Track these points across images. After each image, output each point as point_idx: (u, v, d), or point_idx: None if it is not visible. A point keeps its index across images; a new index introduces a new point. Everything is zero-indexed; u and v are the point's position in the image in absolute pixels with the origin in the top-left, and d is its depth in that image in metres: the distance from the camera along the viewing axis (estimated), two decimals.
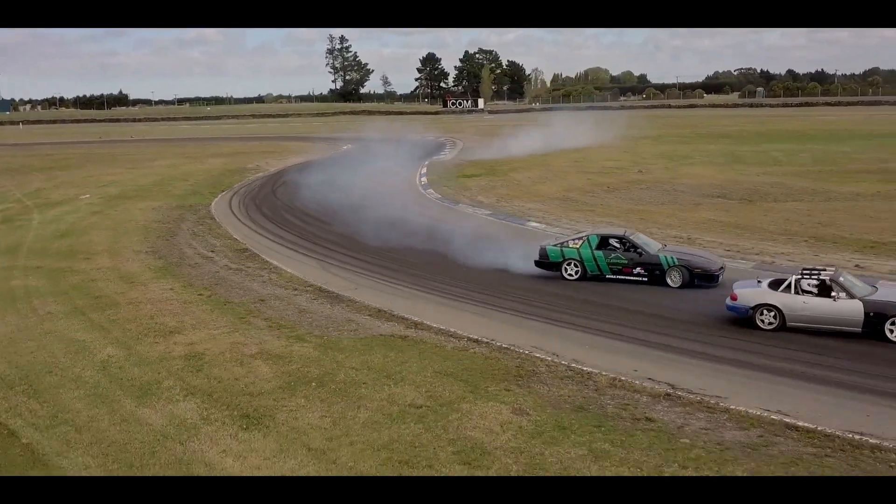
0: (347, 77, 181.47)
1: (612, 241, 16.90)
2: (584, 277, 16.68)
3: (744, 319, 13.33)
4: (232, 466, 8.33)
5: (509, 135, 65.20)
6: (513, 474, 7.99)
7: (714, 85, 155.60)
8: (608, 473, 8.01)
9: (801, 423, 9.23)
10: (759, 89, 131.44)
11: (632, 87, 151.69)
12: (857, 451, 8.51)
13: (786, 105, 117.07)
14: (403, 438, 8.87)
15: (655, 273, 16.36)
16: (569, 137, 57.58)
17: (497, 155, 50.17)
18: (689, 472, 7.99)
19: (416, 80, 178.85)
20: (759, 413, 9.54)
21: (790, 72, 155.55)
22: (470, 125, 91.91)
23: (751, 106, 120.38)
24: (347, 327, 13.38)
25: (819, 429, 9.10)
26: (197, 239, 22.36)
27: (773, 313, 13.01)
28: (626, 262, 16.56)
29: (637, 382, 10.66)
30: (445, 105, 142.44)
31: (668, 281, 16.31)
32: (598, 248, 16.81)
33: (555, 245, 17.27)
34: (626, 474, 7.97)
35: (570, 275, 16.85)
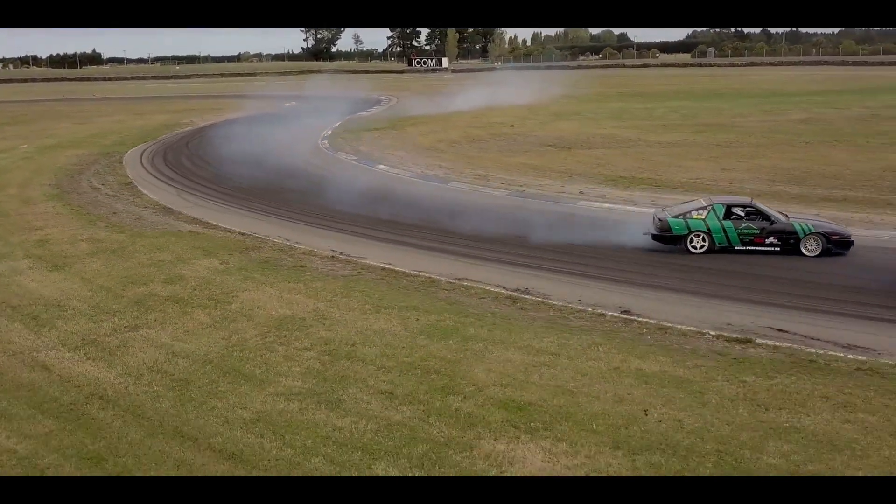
0: (319, 35, 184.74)
1: (737, 210, 16.20)
2: (712, 250, 16.02)
3: None
4: (32, 286, 14.32)
5: (449, 93, 70.54)
6: (190, 290, 13.99)
7: (690, 44, 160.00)
8: (247, 288, 13.99)
9: (388, 266, 15.31)
10: (711, 49, 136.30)
11: (591, 47, 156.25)
12: (408, 279, 14.57)
13: (732, 65, 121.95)
14: (139, 273, 14.89)
15: (790, 242, 15.75)
16: (501, 96, 62.72)
17: (419, 111, 55.62)
18: (291, 284, 14.00)
19: (388, 38, 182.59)
20: (376, 263, 15.59)
21: (764, 31, 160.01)
22: (422, 83, 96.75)
23: (699, 66, 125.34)
24: (161, 227, 19.34)
25: (398, 269, 15.17)
26: (97, 177, 28.18)
27: None
28: (757, 231, 15.87)
29: (322, 252, 16.67)
30: (410, 64, 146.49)
31: (804, 250, 15.72)
32: (725, 217, 16.05)
33: (676, 217, 16.30)
34: (255, 290, 13.98)
35: (695, 248, 16.08)
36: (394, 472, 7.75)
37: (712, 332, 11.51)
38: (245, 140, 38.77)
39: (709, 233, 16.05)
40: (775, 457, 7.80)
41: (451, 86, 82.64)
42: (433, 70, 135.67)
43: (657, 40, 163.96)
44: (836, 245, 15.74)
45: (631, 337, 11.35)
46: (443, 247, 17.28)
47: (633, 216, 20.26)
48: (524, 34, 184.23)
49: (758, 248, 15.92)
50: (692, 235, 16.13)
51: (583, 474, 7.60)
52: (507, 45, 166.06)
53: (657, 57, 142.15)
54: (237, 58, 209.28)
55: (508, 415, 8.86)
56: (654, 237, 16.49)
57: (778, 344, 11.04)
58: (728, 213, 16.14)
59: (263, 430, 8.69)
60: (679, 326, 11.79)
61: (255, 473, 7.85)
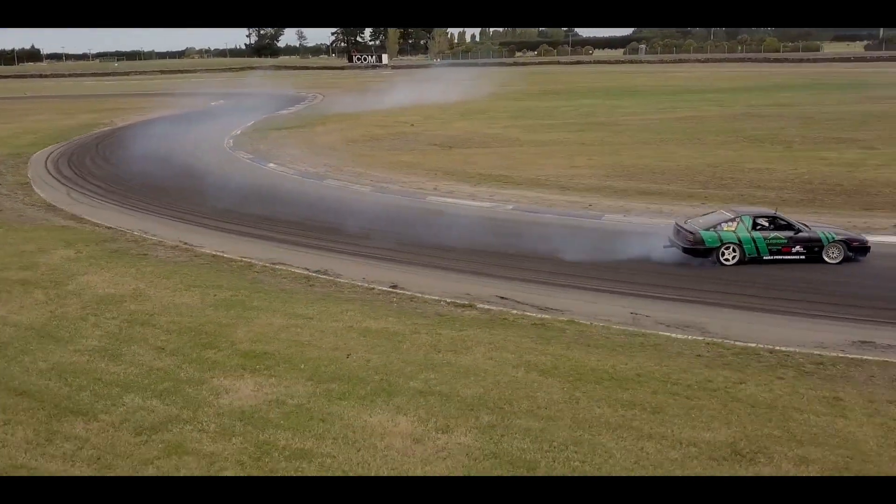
0: (262, 32, 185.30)
1: (762, 221, 16.43)
2: (742, 261, 16.23)
3: None
4: None
5: (377, 90, 73.12)
6: (39, 275, 16.48)
7: (627, 40, 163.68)
8: (88, 272, 16.53)
9: (219, 253, 18.00)
10: (642, 46, 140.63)
11: (528, 43, 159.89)
12: (230, 263, 17.28)
13: (661, 62, 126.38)
14: (2, 261, 17.38)
15: (814, 250, 16.11)
16: (427, 94, 65.28)
17: (337, 110, 58.17)
18: (126, 269, 16.59)
19: (333, 33, 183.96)
20: (210, 251, 18.27)
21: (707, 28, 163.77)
22: (356, 80, 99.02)
23: (630, 62, 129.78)
24: (38, 223, 21.72)
25: (227, 255, 17.86)
26: None
27: None
28: (785, 241, 16.13)
29: (169, 242, 19.28)
30: (351, 60, 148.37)
31: (826, 257, 16.11)
32: (753, 228, 16.28)
33: (708, 229, 16.34)
34: (94, 274, 16.54)
35: (727, 260, 16.23)
36: (137, 401, 10.46)
37: (448, 300, 14.46)
38: (155, 140, 41.01)
39: (739, 244, 16.17)
40: (417, 382, 10.71)
41: (384, 83, 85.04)
42: (373, 67, 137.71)
43: (605, 35, 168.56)
44: (856, 251, 16.16)
45: (382, 304, 14.24)
46: (282, 237, 20.03)
47: (462, 209, 23.32)
48: (472, 30, 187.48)
49: (784, 257, 16.16)
50: (724, 248, 16.21)
51: (274, 398, 10.41)
52: (454, 41, 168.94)
53: (591, 53, 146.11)
54: (182, 53, 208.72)
55: (245, 361, 11.63)
56: (686, 250, 16.43)
57: (492, 308, 14.04)
58: (754, 224, 16.32)
59: (52, 376, 11.33)
60: (427, 296, 14.73)
61: (33, 405, 10.49)
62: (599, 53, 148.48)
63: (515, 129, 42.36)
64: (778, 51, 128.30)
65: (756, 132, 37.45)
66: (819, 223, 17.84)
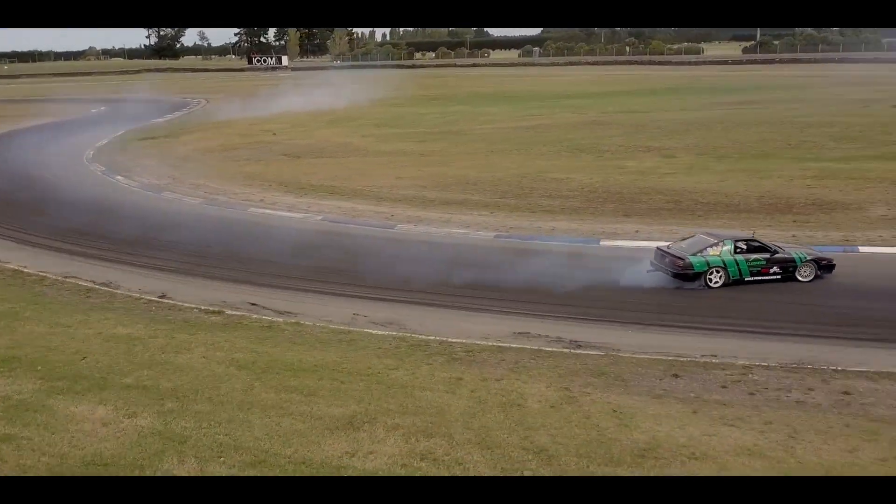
0: (162, 32, 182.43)
1: (741, 244, 17.27)
2: (726, 284, 16.98)
3: None
4: None
5: (265, 96, 74.17)
6: None
7: (539, 40, 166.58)
8: None
9: (20, 268, 19.80)
10: (536, 49, 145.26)
11: (433, 44, 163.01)
12: (25, 277, 19.13)
13: (553, 64, 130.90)
14: None
15: (789, 270, 17.11)
16: (315, 99, 66.78)
17: (213, 118, 59.34)
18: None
19: (236, 34, 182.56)
20: (12, 266, 20.04)
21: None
22: (249, 84, 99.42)
23: (523, 65, 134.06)
24: None
25: (26, 270, 19.69)
26: None
27: None
28: (763, 262, 17.03)
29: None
30: (251, 62, 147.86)
31: (799, 276, 17.14)
32: (735, 252, 17.11)
33: (696, 254, 17.03)
34: None
35: (713, 283, 16.97)
36: None
37: (202, 307, 16.77)
38: (15, 151, 41.91)
39: (724, 267, 16.97)
40: (131, 378, 13.00)
41: (278, 86, 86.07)
42: (272, 69, 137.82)
43: (515, 35, 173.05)
44: (824, 269, 17.29)
45: (141, 313, 16.44)
46: (91, 251, 21.92)
47: (277, 220, 25.61)
48: (382, 30, 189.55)
49: (763, 277, 17.11)
50: (711, 272, 16.95)
51: (3, 394, 12.52)
52: (366, 39, 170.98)
53: (487, 56, 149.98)
54: (82, 54, 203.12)
55: None
56: (676, 275, 17.09)
57: (237, 313, 16.42)
58: (736, 248, 17.20)
59: None
60: (185, 304, 16.98)
61: None
62: (496, 55, 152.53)
63: (371, 139, 44.58)
64: (662, 53, 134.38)
65: (583, 141, 40.61)
66: (789, 244, 18.88)
